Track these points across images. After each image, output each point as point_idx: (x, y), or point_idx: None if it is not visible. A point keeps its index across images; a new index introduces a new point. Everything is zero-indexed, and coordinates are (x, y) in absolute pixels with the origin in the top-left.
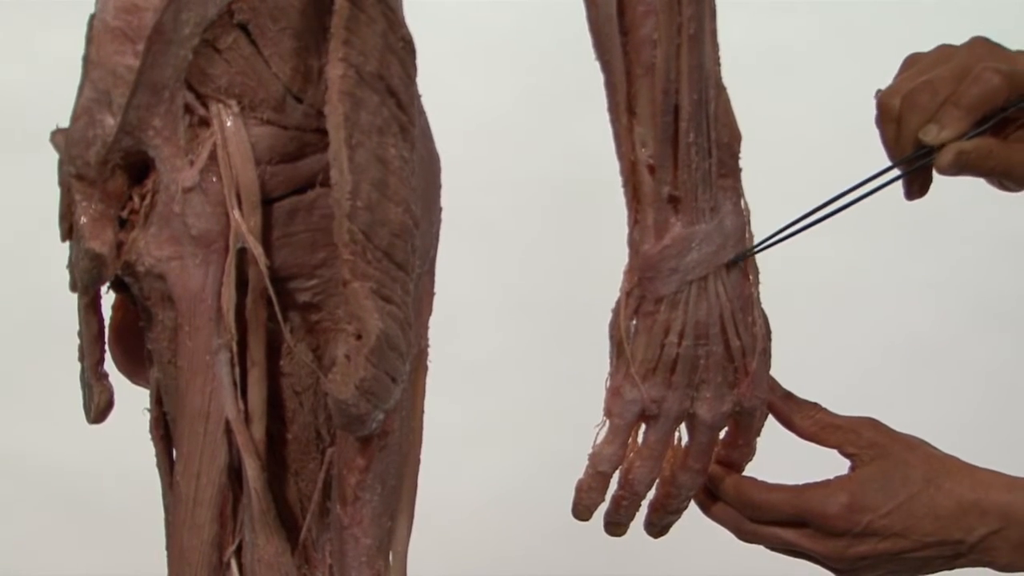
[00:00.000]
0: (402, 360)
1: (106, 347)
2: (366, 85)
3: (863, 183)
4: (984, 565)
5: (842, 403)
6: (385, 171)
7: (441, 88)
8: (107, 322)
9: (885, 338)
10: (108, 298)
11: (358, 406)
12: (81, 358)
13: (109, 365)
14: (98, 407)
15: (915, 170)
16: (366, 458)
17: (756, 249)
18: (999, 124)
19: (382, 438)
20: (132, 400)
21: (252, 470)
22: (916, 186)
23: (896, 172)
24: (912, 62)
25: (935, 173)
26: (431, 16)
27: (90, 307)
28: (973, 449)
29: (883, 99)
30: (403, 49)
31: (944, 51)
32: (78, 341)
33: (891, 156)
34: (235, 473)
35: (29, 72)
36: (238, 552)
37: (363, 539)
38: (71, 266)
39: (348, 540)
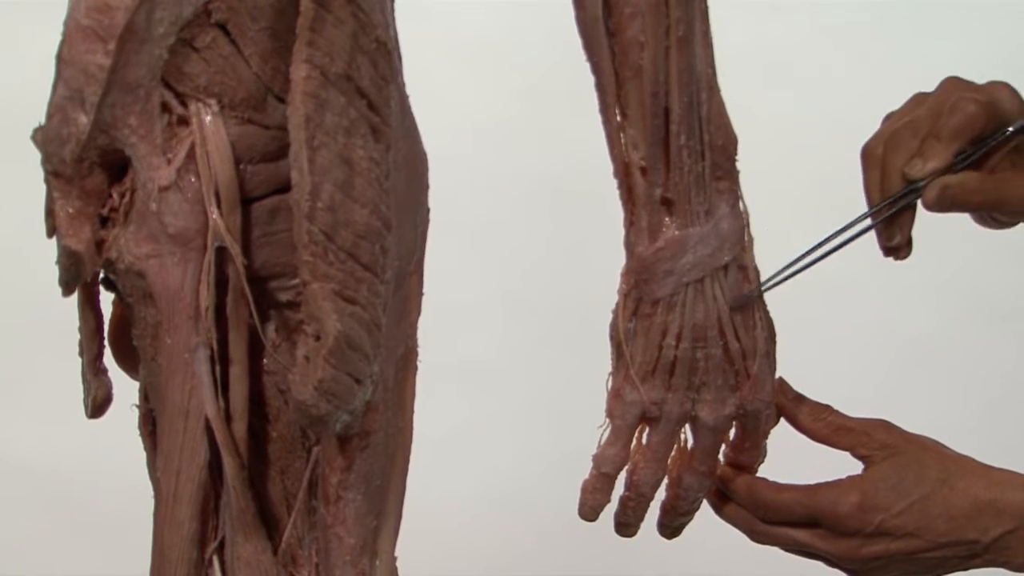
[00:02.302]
0: (367, 361)
1: (105, 342)
2: (332, 86)
3: (843, 229)
4: (999, 565)
5: (842, 403)
6: (351, 172)
7: (438, 88)
8: (108, 317)
9: (885, 338)
10: (109, 294)
11: (318, 407)
12: (81, 353)
13: (109, 361)
14: (95, 402)
15: (901, 210)
16: (347, 458)
17: (763, 288)
18: (981, 158)
19: (363, 438)
20: (128, 398)
21: (231, 468)
22: (897, 229)
23: (880, 213)
24: (888, 117)
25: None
26: (428, 16)
27: (87, 303)
28: (973, 449)
29: (866, 148)
30: (376, 51)
31: (918, 98)
32: (79, 336)
33: (872, 203)
34: (216, 470)
35: (25, 70)
36: (220, 549)
37: (347, 538)
38: (57, 262)
39: (332, 539)
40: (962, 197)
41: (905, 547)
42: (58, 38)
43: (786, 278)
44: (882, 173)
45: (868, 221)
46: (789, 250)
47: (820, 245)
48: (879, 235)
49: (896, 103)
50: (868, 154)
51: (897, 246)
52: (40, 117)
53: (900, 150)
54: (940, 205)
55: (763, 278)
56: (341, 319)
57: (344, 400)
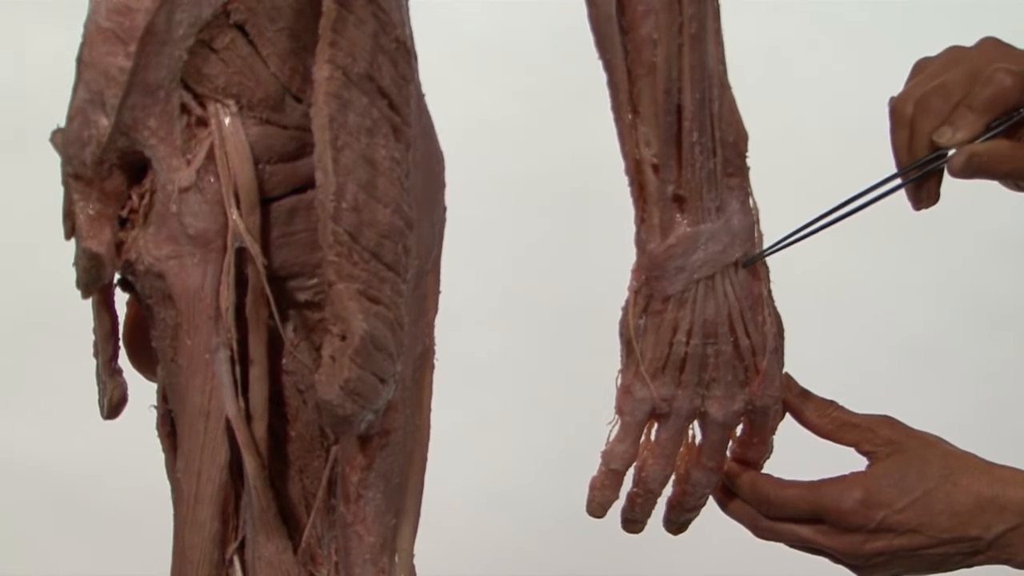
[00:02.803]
0: (391, 361)
1: (120, 343)
2: (354, 86)
3: (871, 188)
4: (1002, 562)
5: (840, 401)
6: (374, 172)
7: (441, 87)
8: (123, 318)
9: (884, 338)
10: (123, 295)
11: (343, 407)
12: (96, 354)
13: (124, 362)
14: (111, 403)
15: (926, 174)
16: (367, 456)
17: (766, 253)
18: (1013, 126)
19: (383, 437)
20: (136, 398)
21: (251, 468)
22: (925, 192)
23: (906, 176)
24: (922, 67)
25: (944, 178)
26: (431, 16)
27: (102, 304)
28: (969, 448)
29: (896, 105)
30: (396, 50)
31: (954, 53)
32: (93, 337)
33: (900, 162)
34: (237, 471)
35: (28, 70)
36: (241, 549)
37: (367, 537)
38: (75, 264)
39: (352, 538)
40: (990, 166)
41: (908, 543)
42: (64, 37)
43: (817, 230)
44: (910, 135)
45: (896, 181)
46: (790, 247)
47: (849, 202)
48: (908, 195)
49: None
50: (897, 112)
51: (925, 207)
52: (45, 115)
53: (930, 114)
54: (966, 173)
55: (771, 276)
56: (367, 319)
57: (369, 400)
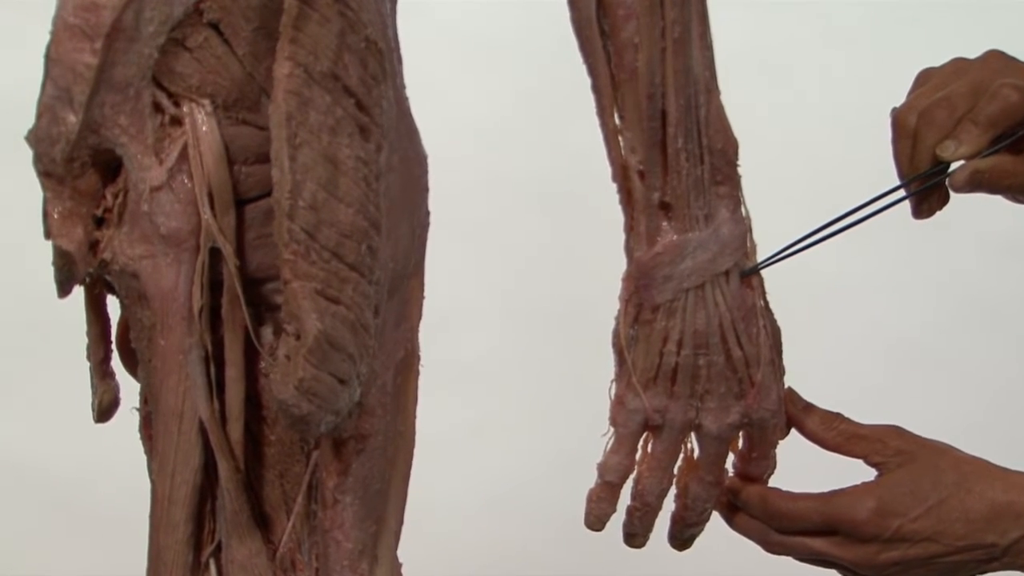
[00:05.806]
0: (351, 362)
1: (112, 346)
2: (316, 84)
3: (873, 200)
4: (1018, 569)
5: (839, 405)
6: (335, 171)
7: (437, 89)
8: (117, 321)
9: (883, 338)
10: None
11: (299, 406)
12: (88, 357)
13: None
14: (101, 406)
15: (929, 187)
16: (342, 461)
17: (764, 264)
18: (1016, 141)
19: (360, 441)
20: (129, 400)
21: (225, 471)
22: (927, 205)
23: (908, 189)
24: (926, 78)
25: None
26: (426, 16)
27: (93, 307)
28: (971, 451)
29: (899, 115)
30: (366, 50)
31: (958, 65)
32: (86, 340)
33: (902, 173)
34: (213, 473)
35: (29, 71)
36: (218, 552)
37: (344, 543)
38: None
39: (330, 543)
40: (992, 181)
41: (923, 552)
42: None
43: (817, 241)
44: (913, 147)
45: (897, 193)
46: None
47: (849, 214)
48: (911, 206)
49: (896, 102)
50: (900, 123)
51: (926, 217)
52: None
53: (933, 127)
54: (968, 188)
55: (766, 285)
56: (322, 318)
57: (327, 400)
